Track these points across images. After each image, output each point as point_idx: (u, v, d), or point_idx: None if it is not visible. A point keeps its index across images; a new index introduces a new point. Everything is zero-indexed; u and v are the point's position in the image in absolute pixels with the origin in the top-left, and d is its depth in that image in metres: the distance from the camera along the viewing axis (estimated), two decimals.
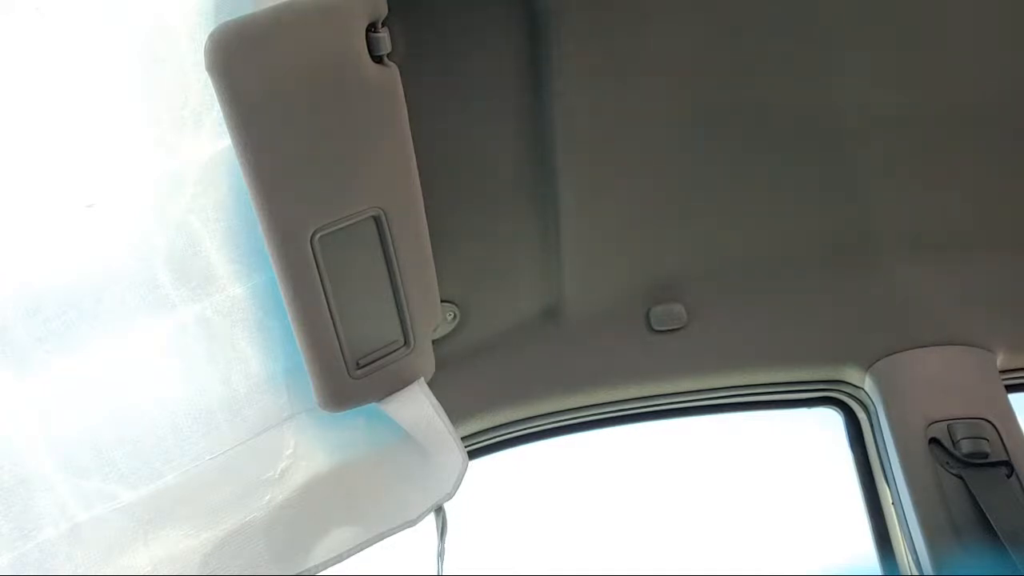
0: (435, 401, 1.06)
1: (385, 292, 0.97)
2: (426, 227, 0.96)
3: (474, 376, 1.34)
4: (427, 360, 1.06)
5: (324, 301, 0.91)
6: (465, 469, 1.06)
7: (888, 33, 1.13)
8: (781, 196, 1.30)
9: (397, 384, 1.04)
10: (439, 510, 1.07)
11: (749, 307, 1.39)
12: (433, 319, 1.03)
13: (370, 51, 0.81)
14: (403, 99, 0.85)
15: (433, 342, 1.07)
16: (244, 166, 0.80)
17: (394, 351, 1.01)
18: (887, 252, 1.37)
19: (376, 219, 0.90)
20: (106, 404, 0.90)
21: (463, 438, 1.30)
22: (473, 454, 1.36)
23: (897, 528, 1.26)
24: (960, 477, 1.20)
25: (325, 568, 1.06)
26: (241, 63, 0.74)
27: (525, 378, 1.37)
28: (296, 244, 0.86)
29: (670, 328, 1.38)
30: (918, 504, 1.19)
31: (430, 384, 1.07)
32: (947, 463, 1.22)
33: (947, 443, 1.23)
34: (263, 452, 1.03)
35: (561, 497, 1.59)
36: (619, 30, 1.06)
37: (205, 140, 0.82)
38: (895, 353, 1.34)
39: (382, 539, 1.07)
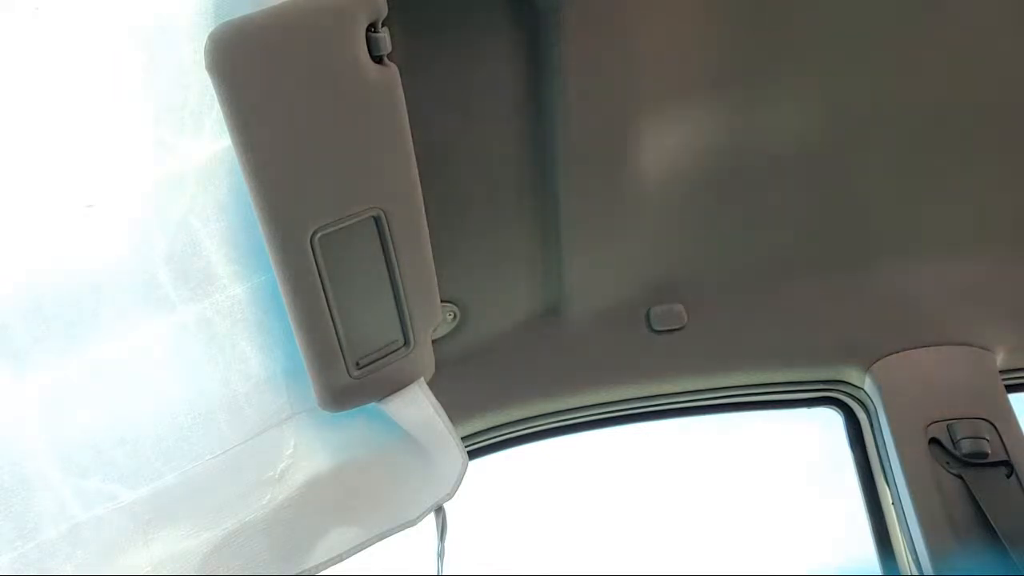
0: (435, 401, 1.06)
1: (385, 292, 0.97)
2: (426, 227, 0.96)
3: (474, 376, 1.34)
4: (427, 360, 1.06)
5: (324, 301, 0.91)
6: (465, 469, 1.06)
7: (888, 34, 1.13)
8: (781, 196, 1.29)
9: (397, 384, 1.04)
10: (439, 510, 1.07)
11: (749, 307, 1.39)
12: (433, 319, 1.03)
13: (370, 51, 0.81)
14: (403, 99, 0.85)
15: (433, 342, 1.07)
16: (244, 166, 0.80)
17: (394, 351, 1.01)
18: (887, 252, 1.37)
19: (376, 219, 0.90)
20: (106, 404, 0.90)
21: (463, 438, 1.30)
22: (473, 454, 1.36)
23: (897, 528, 1.26)
24: (960, 477, 1.20)
25: (325, 568, 1.06)
26: (241, 63, 0.74)
27: (525, 378, 1.37)
28: (296, 244, 0.86)
29: (670, 328, 1.38)
30: (918, 504, 1.19)
31: (430, 384, 1.07)
32: (947, 463, 1.22)
33: (947, 443, 1.23)
34: (263, 452, 1.03)
35: (561, 497, 1.59)
36: (620, 30, 1.06)
37: (205, 140, 0.82)
38: (895, 353, 1.34)
39: (382, 539, 1.07)
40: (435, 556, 1.08)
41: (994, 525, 1.13)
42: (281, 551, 1.05)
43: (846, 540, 1.40)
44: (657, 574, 1.41)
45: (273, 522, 1.06)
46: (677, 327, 1.38)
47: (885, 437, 1.28)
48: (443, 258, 1.02)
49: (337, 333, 0.94)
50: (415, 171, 0.91)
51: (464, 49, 1.02)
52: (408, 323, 1.00)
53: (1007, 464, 1.21)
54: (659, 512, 1.57)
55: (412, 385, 1.05)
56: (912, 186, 1.30)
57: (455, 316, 1.29)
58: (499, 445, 1.40)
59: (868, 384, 1.34)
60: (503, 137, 1.13)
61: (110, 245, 0.83)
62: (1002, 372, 1.33)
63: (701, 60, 1.12)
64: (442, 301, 1.08)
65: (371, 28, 0.80)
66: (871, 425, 1.34)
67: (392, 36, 0.82)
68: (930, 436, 1.24)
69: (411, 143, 0.89)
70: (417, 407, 1.05)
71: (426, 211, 0.95)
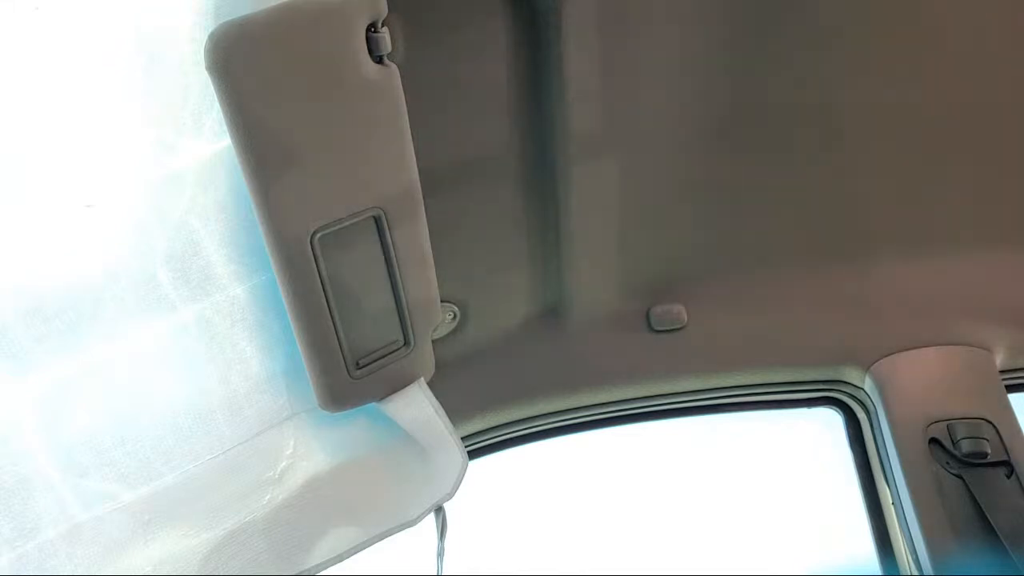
0: (435, 401, 1.06)
1: (385, 292, 0.97)
2: (426, 227, 0.96)
3: (474, 376, 1.34)
4: (427, 360, 1.06)
5: (324, 301, 0.91)
6: (465, 469, 1.06)
7: (888, 32, 1.13)
8: (781, 196, 1.30)
9: (397, 384, 1.04)
10: (439, 510, 1.07)
11: (749, 307, 1.39)
12: (433, 319, 1.03)
13: (370, 51, 0.81)
14: (403, 99, 0.85)
15: (433, 342, 1.07)
16: (244, 166, 0.80)
17: (394, 351, 1.01)
18: (887, 251, 1.37)
19: (376, 219, 0.90)
20: (106, 404, 0.90)
21: (463, 438, 1.30)
22: (473, 454, 1.36)
23: (897, 528, 1.26)
24: (960, 477, 1.20)
25: (325, 568, 1.06)
26: (241, 63, 0.74)
27: (525, 378, 1.37)
28: (296, 244, 0.86)
29: (670, 328, 1.38)
30: (918, 504, 1.19)
31: (430, 384, 1.07)
32: (947, 463, 1.22)
33: (947, 443, 1.23)
34: (263, 452, 1.03)
35: (561, 497, 1.59)
36: (619, 30, 1.06)
37: (205, 140, 0.82)
38: (895, 353, 1.34)
39: (382, 539, 1.07)
40: (435, 556, 1.08)
41: (994, 525, 1.13)
42: (281, 551, 1.05)
43: (846, 540, 1.40)
44: (657, 574, 1.41)
45: (273, 522, 1.06)
46: (677, 327, 1.38)
47: (885, 437, 1.28)
48: (443, 258, 1.02)
49: (337, 333, 0.94)
50: (415, 171, 0.91)
51: (464, 49, 1.02)
52: (408, 323, 1.00)
53: (1007, 464, 1.21)
54: (659, 512, 1.57)
55: (412, 385, 1.05)
56: (912, 186, 1.30)
57: (455, 316, 1.29)
58: (499, 445, 1.40)
59: (868, 384, 1.34)
60: (503, 137, 1.13)
61: (110, 245, 0.83)
62: (1002, 372, 1.33)
63: (701, 59, 1.12)
64: (442, 301, 1.08)
65: (371, 28, 0.80)
66: (871, 425, 1.34)
67: (392, 36, 0.82)
68: (930, 436, 1.24)
69: (411, 143, 0.89)
70: (417, 407, 1.06)
71: (426, 211, 0.95)
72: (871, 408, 1.34)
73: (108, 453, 0.92)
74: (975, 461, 1.21)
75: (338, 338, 0.95)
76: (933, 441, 1.24)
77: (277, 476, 1.06)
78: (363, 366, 0.99)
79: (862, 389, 1.36)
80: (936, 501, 1.18)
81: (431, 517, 1.07)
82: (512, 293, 1.33)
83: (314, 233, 0.86)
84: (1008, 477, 1.20)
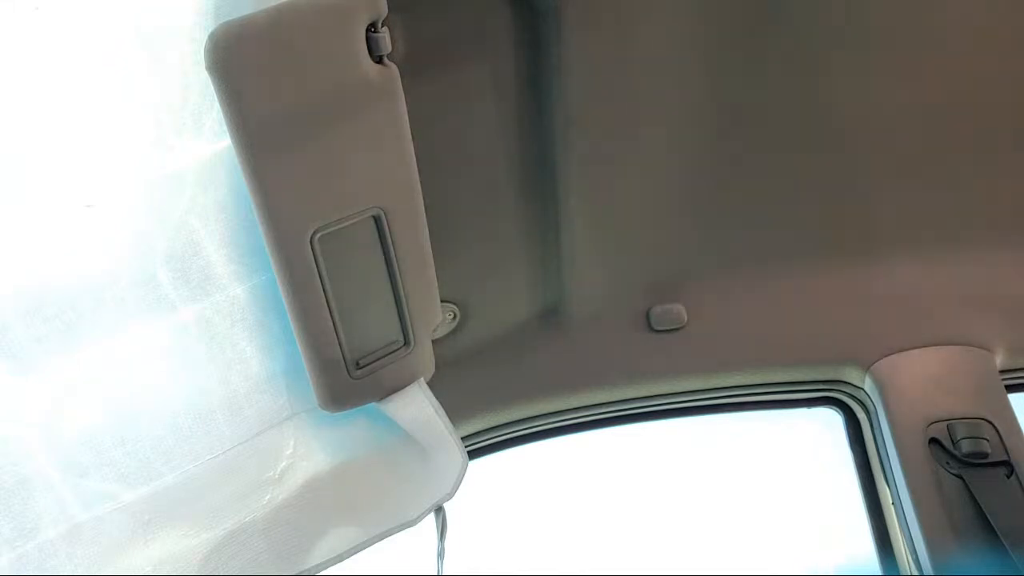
0: (435, 401, 1.06)
1: (385, 292, 0.97)
2: (426, 227, 0.96)
3: (474, 376, 1.34)
4: (427, 360, 1.06)
5: (324, 301, 0.91)
6: (465, 469, 1.06)
7: (889, 32, 1.13)
8: (781, 196, 1.30)
9: (397, 384, 1.04)
10: (439, 510, 1.07)
11: (749, 307, 1.39)
12: (433, 319, 1.03)
13: (370, 51, 0.81)
14: (403, 99, 0.86)
15: (433, 342, 1.07)
16: (244, 166, 0.80)
17: (394, 351, 1.01)
18: (887, 251, 1.37)
19: (376, 219, 0.90)
20: (106, 404, 0.90)
21: (463, 438, 1.30)
22: (473, 454, 1.36)
23: (897, 528, 1.26)
24: (960, 477, 1.20)
25: (325, 568, 1.06)
26: (241, 63, 0.74)
27: (525, 378, 1.37)
28: (296, 244, 0.86)
29: (670, 328, 1.38)
30: (918, 504, 1.19)
31: (430, 384, 1.07)
32: (947, 463, 1.22)
33: (947, 443, 1.23)
34: (263, 452, 1.03)
35: (561, 497, 1.59)
36: (620, 30, 1.06)
37: (205, 140, 0.82)
38: (895, 353, 1.34)
39: (382, 539, 1.07)
40: (435, 556, 1.08)
41: (994, 525, 1.13)
42: (281, 551, 1.05)
43: (846, 540, 1.40)
44: (657, 574, 1.41)
45: (273, 522, 1.06)
46: (677, 327, 1.38)
47: (885, 437, 1.28)
48: (443, 258, 1.02)
49: (337, 333, 0.94)
50: (415, 171, 0.91)
51: (464, 49, 1.02)
52: (408, 323, 1.00)
53: (1007, 464, 1.21)
54: (659, 512, 1.57)
55: (412, 385, 1.05)
56: (912, 186, 1.30)
57: (455, 316, 1.29)
58: (499, 445, 1.40)
59: (868, 384, 1.34)
60: (503, 137, 1.12)
61: (110, 245, 0.83)
62: (1002, 372, 1.33)
63: (701, 59, 1.12)
64: (442, 301, 1.08)
65: (371, 28, 0.80)
66: (871, 425, 1.34)
67: (392, 36, 0.82)
68: (930, 436, 1.24)
69: (411, 143, 0.89)
70: (417, 407, 1.06)
71: (426, 211, 0.95)
72: (871, 408, 1.34)
73: (108, 453, 0.92)
74: (975, 461, 1.21)
75: (338, 338, 0.95)
76: (933, 441, 1.24)
77: (277, 476, 1.06)
78: (363, 366, 0.99)
79: (862, 389, 1.36)
80: (936, 501, 1.18)
81: (431, 517, 1.07)
82: (512, 293, 1.33)
83: (314, 233, 0.86)
84: (1008, 477, 1.20)
